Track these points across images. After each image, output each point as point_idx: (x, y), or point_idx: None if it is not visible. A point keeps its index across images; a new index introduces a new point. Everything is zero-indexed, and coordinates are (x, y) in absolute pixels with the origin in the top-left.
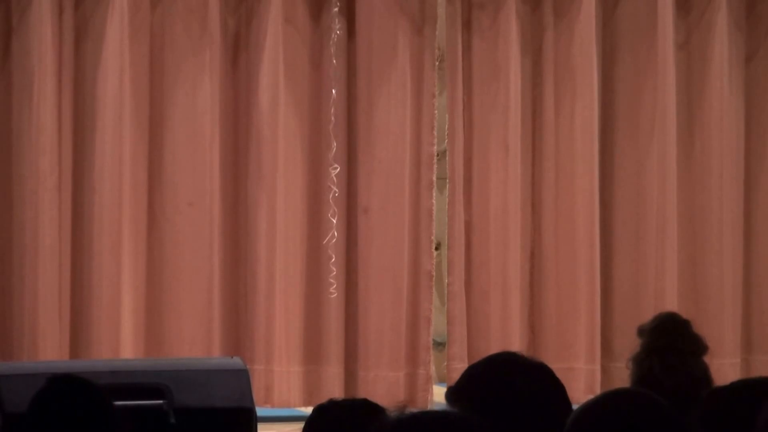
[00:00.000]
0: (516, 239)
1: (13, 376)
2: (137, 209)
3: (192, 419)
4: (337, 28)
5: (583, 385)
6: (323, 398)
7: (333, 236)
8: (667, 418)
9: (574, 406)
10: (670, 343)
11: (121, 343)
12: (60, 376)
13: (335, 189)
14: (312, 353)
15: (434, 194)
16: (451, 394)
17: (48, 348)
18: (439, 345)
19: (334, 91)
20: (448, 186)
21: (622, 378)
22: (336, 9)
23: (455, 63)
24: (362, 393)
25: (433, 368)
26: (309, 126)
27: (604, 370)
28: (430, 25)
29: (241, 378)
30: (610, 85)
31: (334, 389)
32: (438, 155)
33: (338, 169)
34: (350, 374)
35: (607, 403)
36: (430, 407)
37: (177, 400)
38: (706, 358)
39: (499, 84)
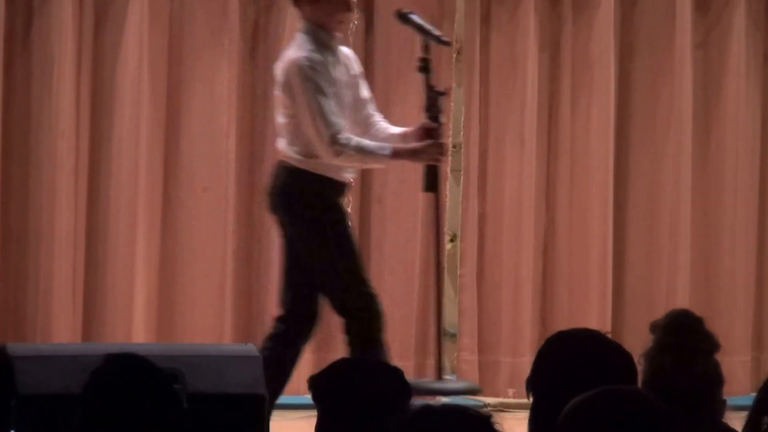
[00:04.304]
0: (529, 232)
1: (26, 357)
2: (152, 194)
3: (205, 405)
4: (355, 19)
5: None
6: None
7: None
8: (658, 417)
9: None
10: (683, 341)
11: (133, 327)
12: (119, 355)
13: None
14: (322, 341)
15: (449, 186)
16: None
17: (61, 331)
18: (453, 336)
19: None
20: (462, 178)
21: None
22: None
23: (473, 57)
24: None
25: (444, 359)
26: None
27: None
28: (448, 19)
29: (254, 365)
30: (627, 82)
31: None
32: (455, 147)
33: None
34: None
35: (597, 401)
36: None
37: (190, 385)
38: (717, 356)
39: (516, 78)
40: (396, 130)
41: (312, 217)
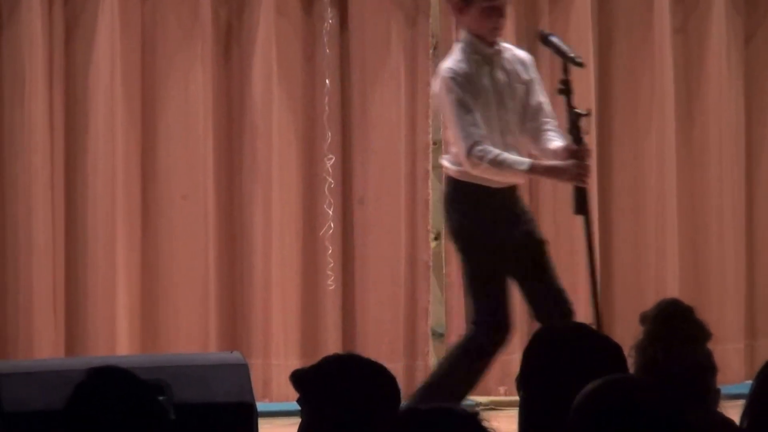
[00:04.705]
0: None
1: (10, 375)
2: (131, 203)
3: (192, 415)
4: (330, 17)
5: None
6: None
7: (329, 227)
8: (663, 405)
9: None
10: (674, 331)
11: (117, 339)
12: (101, 368)
13: (330, 180)
14: (310, 346)
15: (431, 183)
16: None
17: (43, 346)
18: (441, 336)
19: (327, 81)
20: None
21: None
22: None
23: (449, 52)
24: None
25: (433, 359)
26: (303, 117)
27: None
28: (424, 14)
29: (241, 373)
30: (607, 70)
31: None
32: (435, 144)
33: (333, 160)
34: None
35: (606, 389)
36: None
37: (177, 396)
38: (710, 344)
39: None
40: (555, 144)
41: (462, 226)
